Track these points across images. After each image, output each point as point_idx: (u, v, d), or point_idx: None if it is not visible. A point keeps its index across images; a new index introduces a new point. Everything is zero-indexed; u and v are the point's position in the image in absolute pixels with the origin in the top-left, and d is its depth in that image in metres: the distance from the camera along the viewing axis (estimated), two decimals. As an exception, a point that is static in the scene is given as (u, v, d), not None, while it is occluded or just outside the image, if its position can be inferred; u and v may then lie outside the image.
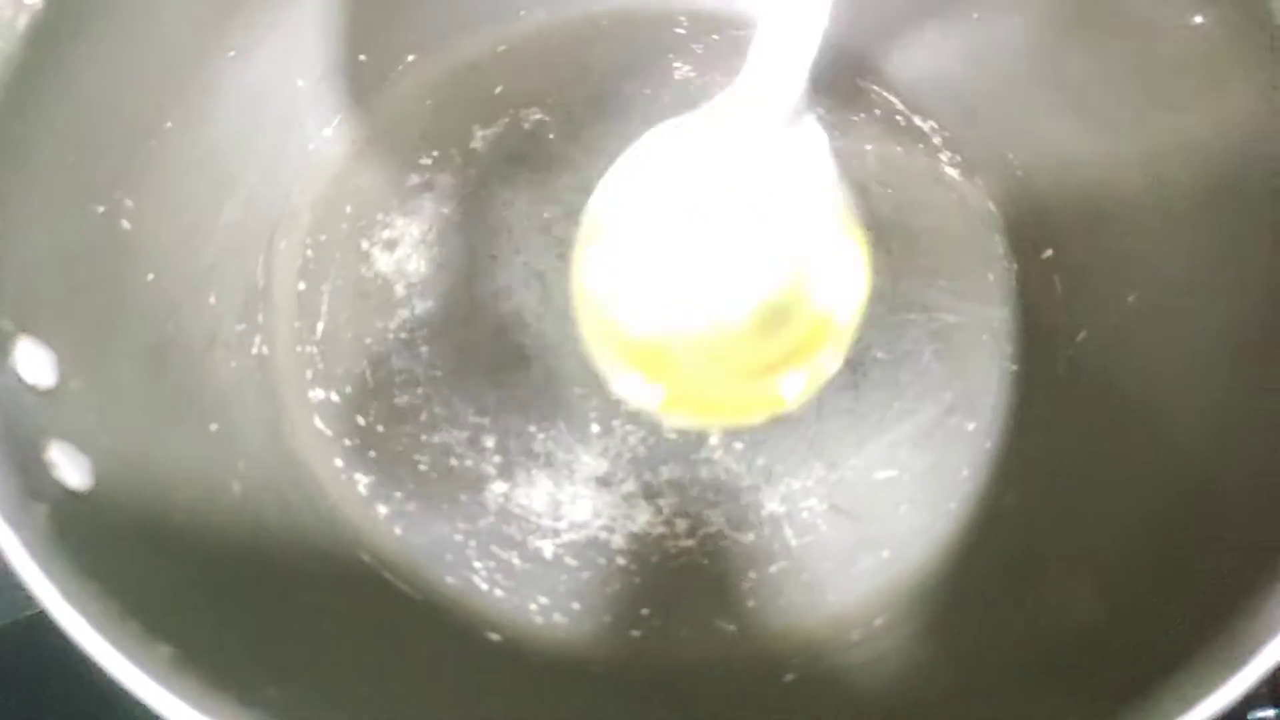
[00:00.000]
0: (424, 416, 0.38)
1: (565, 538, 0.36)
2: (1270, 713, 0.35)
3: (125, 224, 0.34)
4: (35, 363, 0.29)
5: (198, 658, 0.23)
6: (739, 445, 0.37)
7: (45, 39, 0.32)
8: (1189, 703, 0.24)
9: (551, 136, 0.43)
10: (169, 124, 0.37)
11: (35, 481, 0.26)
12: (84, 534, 0.25)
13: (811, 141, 0.30)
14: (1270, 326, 0.33)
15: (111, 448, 0.30)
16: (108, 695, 0.23)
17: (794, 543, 0.36)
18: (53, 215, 0.32)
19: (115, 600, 0.23)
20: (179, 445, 0.33)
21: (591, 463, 0.37)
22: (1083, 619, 0.31)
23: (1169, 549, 0.31)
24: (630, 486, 0.37)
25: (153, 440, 0.32)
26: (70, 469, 0.27)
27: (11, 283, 0.29)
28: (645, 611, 0.35)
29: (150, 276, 0.35)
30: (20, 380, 0.28)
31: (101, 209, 0.34)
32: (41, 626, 0.23)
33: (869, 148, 0.44)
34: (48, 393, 0.28)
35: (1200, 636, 0.26)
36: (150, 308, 0.35)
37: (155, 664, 0.22)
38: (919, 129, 0.45)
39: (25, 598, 0.23)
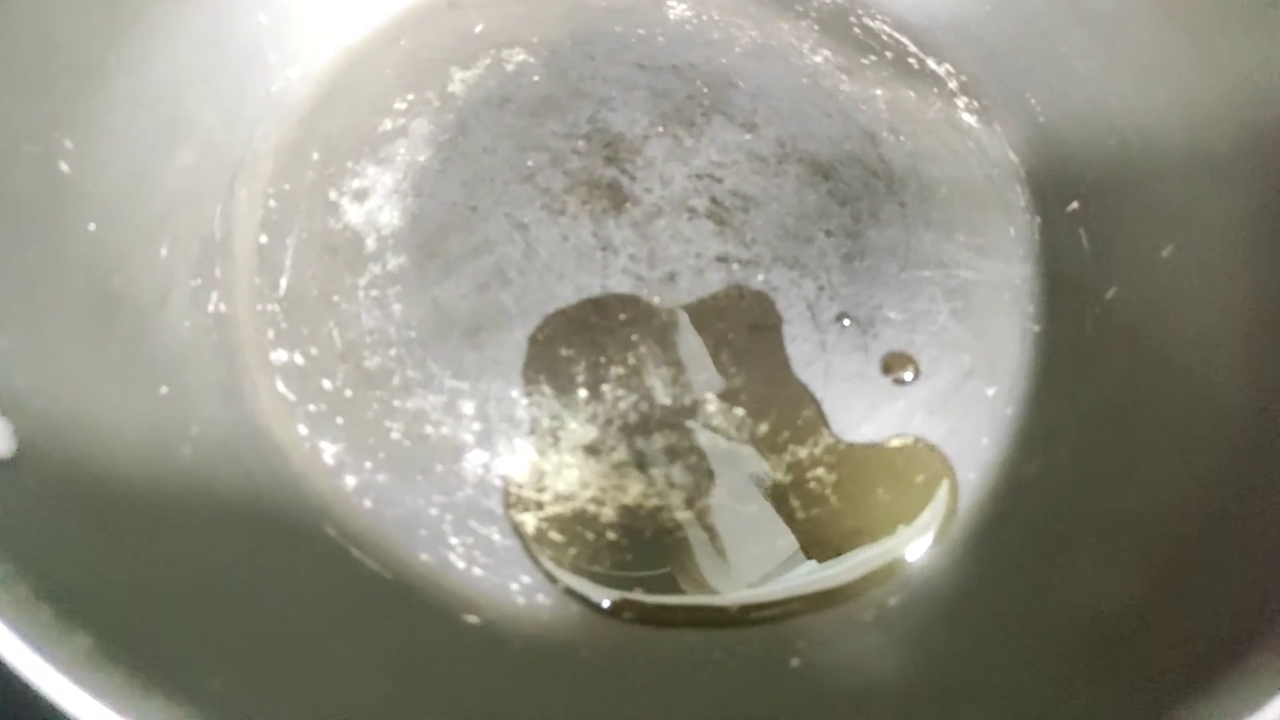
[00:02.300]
0: (396, 380, 0.35)
1: (550, 511, 0.33)
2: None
3: (64, 167, 0.31)
4: (-45, 318, 0.26)
5: (124, 647, 0.21)
6: (740, 411, 0.34)
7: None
8: (1243, 709, 0.21)
9: (536, 79, 0.40)
10: (114, 59, 0.34)
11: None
12: (-2, 507, 0.23)
13: None
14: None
15: (42, 411, 0.27)
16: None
17: (801, 515, 0.33)
18: (-22, 155, 0.29)
19: (27, 583, 0.20)
20: (123, 409, 0.30)
21: (579, 429, 0.34)
22: (1119, 599, 0.29)
23: (1215, 520, 0.28)
24: (621, 455, 0.34)
25: (92, 404, 0.29)
26: (-12, 435, 0.24)
27: (-70, 229, 0.26)
28: (639, 591, 0.32)
29: (92, 226, 0.32)
30: (-66, 336, 0.25)
31: (36, 150, 0.31)
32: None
33: (879, 93, 0.41)
34: (-32, 350, 0.26)
35: (1257, 624, 0.24)
36: (93, 259, 0.32)
37: (69, 655, 0.20)
38: (933, 72, 0.42)
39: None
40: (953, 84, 0.41)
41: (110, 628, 0.21)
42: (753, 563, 0.32)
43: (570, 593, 0.32)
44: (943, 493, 0.34)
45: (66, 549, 0.23)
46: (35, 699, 0.19)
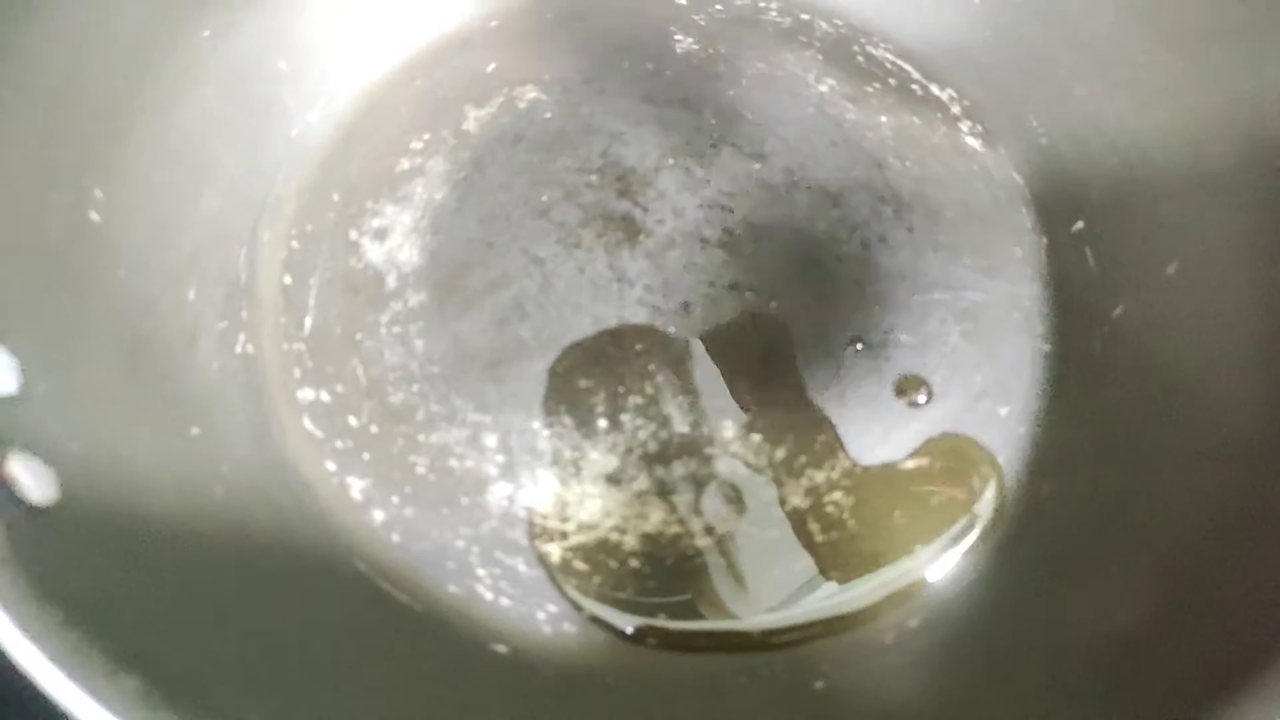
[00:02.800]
0: (421, 415, 0.35)
1: (574, 540, 0.33)
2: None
3: (94, 215, 0.32)
4: (-5, 367, 0.26)
5: (169, 688, 0.21)
6: (757, 437, 0.35)
7: (1, 14, 0.30)
8: (1271, 709, 0.22)
9: (548, 115, 0.41)
10: (140, 109, 0.35)
11: (-9, 500, 0.24)
12: (45, 555, 0.23)
13: None
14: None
15: (81, 456, 0.27)
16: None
17: (820, 539, 0.34)
18: (12, 206, 0.29)
19: (77, 629, 0.21)
20: (157, 451, 0.31)
21: (600, 459, 0.35)
22: (1135, 614, 0.29)
23: (1228, 536, 0.29)
24: (642, 484, 0.34)
25: (128, 447, 0.30)
26: (32, 483, 0.25)
27: (-33, 281, 0.27)
28: (662, 617, 0.32)
29: (122, 272, 0.33)
30: (-23, 387, 0.26)
31: (67, 199, 0.32)
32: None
33: (884, 119, 0.42)
34: (9, 400, 0.26)
35: (1271, 641, 0.24)
36: (123, 305, 0.33)
37: (120, 698, 0.20)
38: (937, 98, 0.42)
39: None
40: (956, 109, 0.42)
41: (155, 668, 0.22)
42: (774, 587, 0.33)
43: (595, 620, 0.32)
44: (991, 483, 0.34)
45: (111, 593, 0.24)
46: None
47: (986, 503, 0.34)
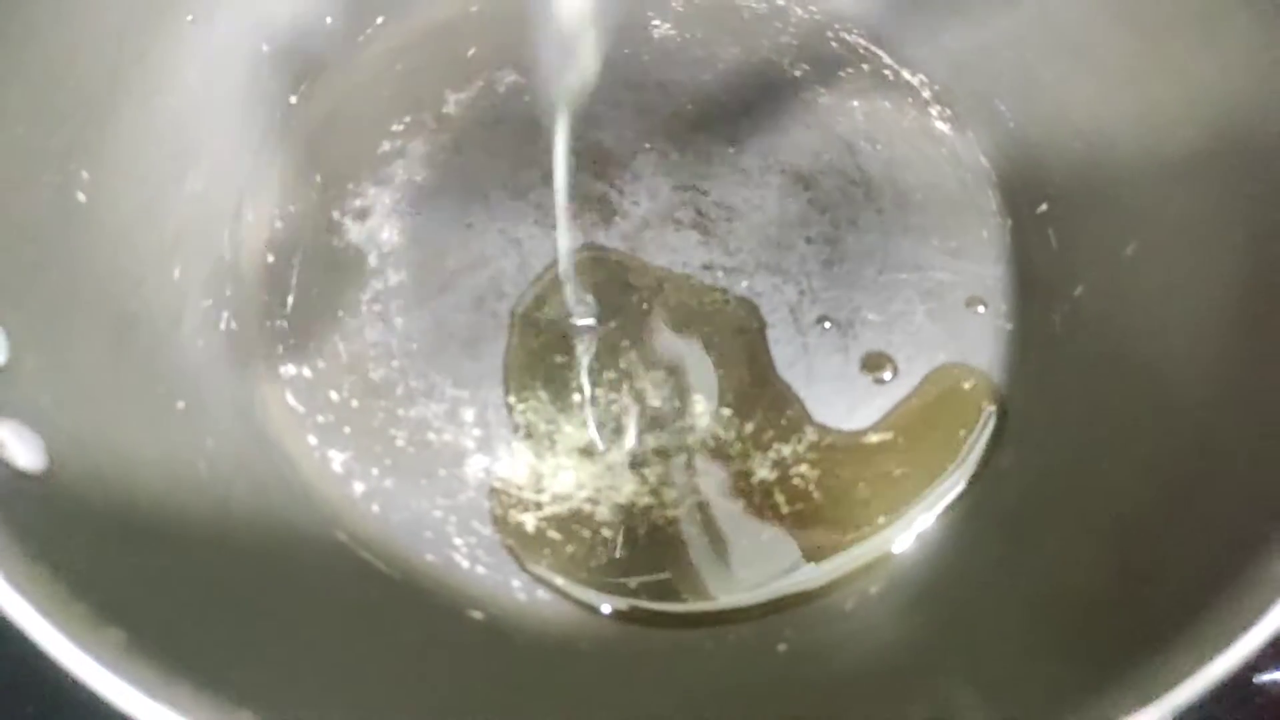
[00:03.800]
0: (400, 390, 0.36)
1: (548, 511, 0.35)
2: (1278, 675, 0.34)
3: (81, 196, 0.33)
4: (-15, 341, 0.27)
5: (153, 642, 0.22)
6: (726, 412, 0.36)
7: (-12, 3, 0.30)
8: (1192, 666, 0.23)
9: (527, 99, 0.42)
10: (126, 92, 0.35)
11: (-21, 463, 0.25)
12: (33, 516, 0.24)
13: None
14: (1275, 276, 0.32)
15: (69, 427, 0.28)
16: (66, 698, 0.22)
17: (786, 510, 0.35)
18: (1, 188, 0.30)
19: (64, 583, 0.22)
20: (143, 424, 0.32)
21: (574, 433, 0.36)
22: (1084, 581, 0.30)
23: (1174, 506, 0.30)
24: (614, 456, 0.35)
25: (114, 419, 0.31)
26: (20, 449, 0.26)
27: (-42, 259, 0.28)
28: (633, 585, 0.34)
29: (109, 251, 0.34)
30: (-33, 359, 0.27)
31: (55, 181, 0.32)
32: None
33: (856, 104, 0.43)
34: (-2, 371, 0.27)
35: (1207, 595, 0.25)
36: (111, 283, 0.33)
37: (105, 648, 0.21)
38: (908, 83, 0.43)
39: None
40: (926, 94, 0.43)
41: (140, 624, 0.23)
42: (742, 560, 0.34)
43: (569, 588, 0.33)
44: (988, 406, 0.36)
45: (98, 554, 0.25)
46: (75, 687, 0.21)
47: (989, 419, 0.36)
